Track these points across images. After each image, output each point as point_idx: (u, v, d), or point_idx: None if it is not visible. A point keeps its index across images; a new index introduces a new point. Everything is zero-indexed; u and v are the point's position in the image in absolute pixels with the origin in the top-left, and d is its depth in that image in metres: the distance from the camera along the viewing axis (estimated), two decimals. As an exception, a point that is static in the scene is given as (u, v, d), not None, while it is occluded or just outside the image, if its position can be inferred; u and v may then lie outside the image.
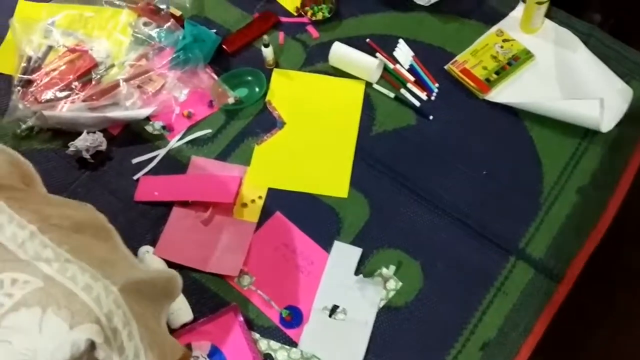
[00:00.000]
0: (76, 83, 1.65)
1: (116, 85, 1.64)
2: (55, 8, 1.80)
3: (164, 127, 1.62)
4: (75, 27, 1.77)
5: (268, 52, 1.66)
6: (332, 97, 1.66)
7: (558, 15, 1.75)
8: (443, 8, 1.77)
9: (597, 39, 1.71)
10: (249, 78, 1.68)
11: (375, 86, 1.67)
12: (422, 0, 1.77)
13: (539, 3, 1.65)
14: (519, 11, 1.77)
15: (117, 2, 1.80)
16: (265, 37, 1.63)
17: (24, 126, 1.60)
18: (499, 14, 1.78)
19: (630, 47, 1.69)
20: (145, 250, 1.44)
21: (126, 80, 1.65)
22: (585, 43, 1.69)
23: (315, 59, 1.73)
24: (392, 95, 1.65)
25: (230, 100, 1.64)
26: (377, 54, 1.71)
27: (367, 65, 1.64)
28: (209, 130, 1.62)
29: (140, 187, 1.54)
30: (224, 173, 1.55)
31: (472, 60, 1.68)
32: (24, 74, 1.68)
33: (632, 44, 1.70)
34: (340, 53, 1.67)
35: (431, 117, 1.62)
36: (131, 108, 1.62)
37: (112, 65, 1.70)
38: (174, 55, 1.66)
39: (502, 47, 1.70)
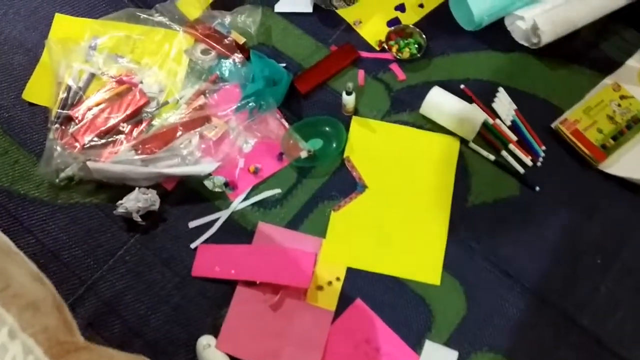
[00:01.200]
0: (124, 125, 1.41)
1: (172, 132, 1.40)
2: (98, 26, 1.54)
3: (226, 184, 1.39)
4: (122, 50, 1.51)
5: (350, 100, 1.42)
6: (421, 156, 1.43)
7: (684, 67, 1.51)
8: (549, 51, 1.51)
9: None
10: (326, 128, 1.44)
11: (472, 145, 1.43)
12: (529, 42, 1.51)
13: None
14: (637, 61, 1.52)
15: (170, 23, 1.53)
16: (349, 84, 1.38)
17: (62, 175, 1.37)
18: (614, 62, 1.53)
19: None
20: (206, 342, 1.23)
21: (184, 127, 1.40)
22: None
23: (400, 106, 1.48)
24: (491, 157, 1.42)
25: (303, 154, 1.41)
26: (474, 105, 1.47)
27: (470, 120, 1.40)
28: (278, 190, 1.39)
29: (198, 258, 1.33)
30: (296, 246, 1.33)
31: (584, 119, 1.44)
32: (62, 107, 1.43)
33: None
34: (438, 102, 1.42)
35: (537, 189, 1.39)
36: (189, 159, 1.39)
37: (166, 102, 1.46)
38: (241, 103, 1.41)
39: (619, 105, 1.46)
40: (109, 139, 1.39)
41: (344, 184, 1.40)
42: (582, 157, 1.42)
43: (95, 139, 1.39)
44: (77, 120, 1.42)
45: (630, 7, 1.53)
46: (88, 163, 1.33)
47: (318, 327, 1.26)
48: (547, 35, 1.47)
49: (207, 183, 1.38)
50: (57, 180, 1.37)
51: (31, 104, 1.48)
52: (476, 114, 1.40)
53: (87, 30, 1.53)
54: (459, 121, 1.41)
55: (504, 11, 1.50)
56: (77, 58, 1.49)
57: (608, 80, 1.50)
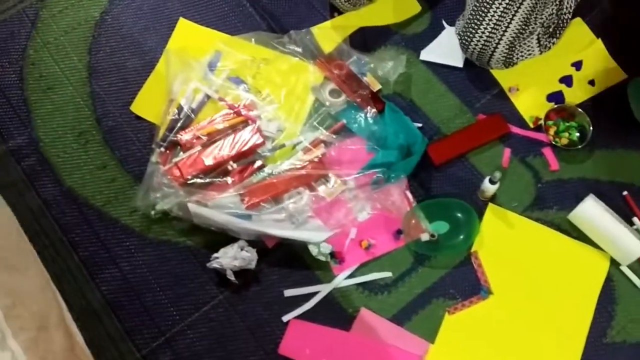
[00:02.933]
0: (233, 164, 1.26)
1: (284, 183, 1.24)
2: (224, 41, 1.38)
3: (332, 254, 1.22)
4: (243, 74, 1.36)
5: (491, 189, 1.22)
6: (561, 268, 1.22)
7: None
8: None
9: None
10: (457, 214, 1.24)
11: (625, 269, 1.21)
12: None
13: None
14: None
15: (302, 53, 1.36)
16: (497, 173, 1.17)
17: (158, 207, 1.24)
18: None
19: None
20: None
21: (297, 180, 1.24)
22: None
23: (547, 202, 1.27)
24: (645, 289, 1.20)
25: (424, 237, 1.22)
26: (635, 221, 1.24)
27: (627, 248, 1.18)
28: (389, 274, 1.22)
29: (289, 335, 1.18)
30: (400, 344, 1.17)
31: None
32: (170, 129, 1.30)
33: None
34: (591, 216, 1.20)
35: (698, 341, 1.17)
36: (297, 217, 1.23)
37: (282, 145, 1.30)
38: (366, 173, 1.24)
39: None
40: (214, 179, 1.25)
41: (466, 283, 1.21)
42: None
43: (201, 175, 1.25)
44: (184, 148, 1.28)
45: None
46: (189, 205, 1.19)
47: None
48: None
49: (312, 248, 1.22)
50: (152, 212, 1.25)
51: (138, 117, 1.35)
52: (634, 243, 1.17)
53: (211, 44, 1.37)
54: (613, 244, 1.19)
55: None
56: (195, 75, 1.34)
57: None
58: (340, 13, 1.42)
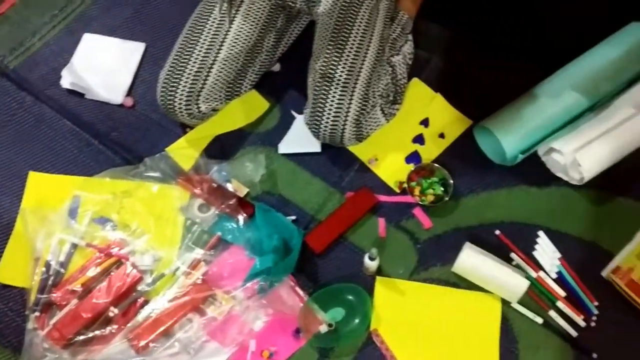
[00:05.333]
0: (114, 309, 1.22)
1: (171, 314, 1.21)
2: (79, 185, 1.35)
3: (236, 374, 1.20)
4: (107, 212, 1.33)
5: (373, 265, 1.24)
6: (458, 320, 1.24)
7: None
8: (590, 181, 1.34)
9: None
10: (349, 297, 1.25)
11: (516, 306, 1.25)
12: (567, 176, 1.34)
13: None
14: (689, 187, 1.36)
15: (156, 175, 1.35)
16: (373, 250, 1.20)
17: (46, 376, 1.17)
18: (665, 190, 1.37)
19: None
20: None
21: (183, 306, 1.21)
22: None
23: (430, 260, 1.30)
24: (539, 320, 1.24)
25: (323, 329, 1.22)
26: (513, 256, 1.29)
27: (511, 287, 1.22)
28: (298, 377, 1.21)
29: None
30: None
31: (639, 266, 1.26)
32: (42, 290, 1.24)
33: None
34: (472, 265, 1.25)
35: (595, 356, 1.21)
36: (189, 349, 1.19)
37: (161, 275, 1.27)
38: (247, 285, 1.23)
39: (677, 246, 1.29)
40: (96, 331, 1.20)
41: (374, 363, 1.21)
42: (642, 311, 1.25)
43: (83, 330, 1.19)
44: (59, 306, 1.22)
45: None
46: (76, 367, 1.13)
47: None
48: (591, 172, 1.30)
49: (215, 373, 1.19)
50: (41, 383, 1.17)
51: (6, 286, 1.28)
52: (518, 280, 1.22)
53: (67, 190, 1.34)
54: (499, 286, 1.24)
55: (539, 145, 1.33)
56: (57, 227, 1.29)
57: (660, 215, 1.34)
58: (192, 127, 1.43)
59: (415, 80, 1.49)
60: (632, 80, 1.38)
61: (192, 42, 1.32)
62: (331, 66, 1.28)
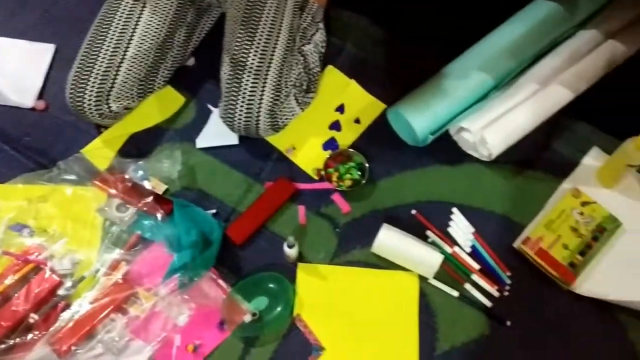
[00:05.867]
0: (34, 316, 1.21)
1: (92, 316, 1.21)
2: (-8, 191, 1.33)
3: (163, 371, 1.21)
4: (23, 218, 1.31)
5: (292, 252, 1.26)
6: (379, 300, 1.28)
7: None
8: (499, 157, 1.40)
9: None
10: (270, 285, 1.27)
11: (432, 281, 1.30)
12: (477, 153, 1.39)
13: (630, 166, 1.31)
14: (593, 158, 1.42)
15: (71, 177, 1.33)
16: (291, 238, 1.22)
17: (-34, 388, 1.16)
18: (570, 162, 1.43)
19: None
20: None
21: (105, 307, 1.21)
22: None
23: (349, 243, 1.33)
24: (455, 294, 1.29)
25: (247, 318, 1.24)
26: (429, 233, 1.34)
27: (426, 263, 1.27)
28: (224, 368, 1.22)
29: None
30: None
31: (548, 235, 1.32)
32: (-42, 303, 1.22)
33: None
34: (389, 245, 1.28)
35: (508, 323, 1.27)
36: (113, 349, 1.20)
37: (82, 278, 1.26)
38: (167, 281, 1.23)
39: (581, 213, 1.35)
40: (17, 339, 1.19)
41: (298, 348, 1.24)
42: (552, 279, 1.31)
43: (4, 340, 1.18)
44: (-23, 318, 1.21)
45: (578, 99, 1.44)
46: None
47: None
48: (498, 148, 1.36)
49: (141, 371, 1.20)
50: (-40, 397, 1.16)
51: None
52: (432, 256, 1.26)
53: (-21, 198, 1.32)
54: (415, 264, 1.28)
55: (449, 125, 1.38)
56: (-30, 237, 1.28)
57: (566, 185, 1.40)
58: (106, 127, 1.42)
59: (329, 67, 1.51)
60: (536, 56, 1.44)
61: (98, 41, 1.31)
62: (243, 53, 1.29)
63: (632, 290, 1.28)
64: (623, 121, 1.34)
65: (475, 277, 1.30)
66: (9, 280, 1.24)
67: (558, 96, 1.40)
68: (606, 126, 1.44)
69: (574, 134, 1.45)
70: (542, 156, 1.43)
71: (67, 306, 1.23)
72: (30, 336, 1.19)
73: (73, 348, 1.18)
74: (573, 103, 1.43)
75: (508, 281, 1.31)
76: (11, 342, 1.19)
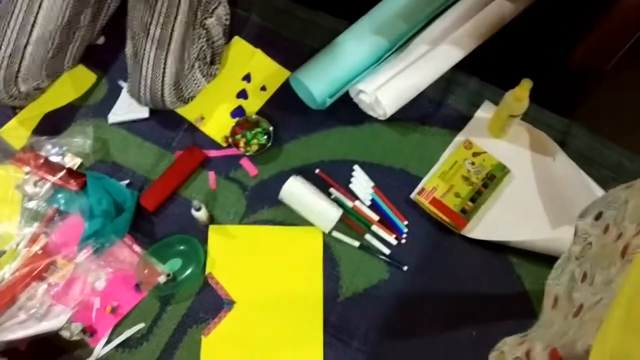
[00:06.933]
0: (-43, 290, 1.29)
1: (13, 287, 1.29)
2: None
3: (83, 331, 1.29)
4: (-59, 200, 1.38)
5: (200, 215, 1.35)
6: (285, 254, 1.38)
7: (530, 110, 1.50)
8: (399, 115, 1.49)
9: (575, 136, 1.50)
10: (181, 247, 1.36)
11: (335, 234, 1.40)
12: (376, 113, 1.48)
13: (512, 116, 1.41)
14: (485, 111, 1.52)
15: (-6, 158, 1.41)
16: (195, 202, 1.31)
17: None
18: (463, 116, 1.52)
19: (614, 145, 1.49)
20: None
21: (26, 277, 1.29)
22: (563, 143, 1.48)
23: (258, 204, 1.42)
24: (356, 244, 1.39)
25: (162, 279, 1.33)
26: (332, 190, 1.43)
27: (326, 215, 1.36)
28: (142, 325, 1.31)
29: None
30: (170, 383, 1.27)
31: (441, 185, 1.43)
32: None
33: (616, 140, 1.50)
34: (294, 192, 1.37)
35: (405, 268, 1.38)
36: (38, 312, 1.28)
37: (2, 252, 1.34)
38: (81, 246, 1.32)
39: (473, 163, 1.45)
40: (-59, 313, 1.27)
41: (211, 303, 1.34)
42: (446, 226, 1.41)
43: None
44: None
45: (471, 56, 1.53)
46: None
47: None
48: (391, 107, 1.44)
49: (64, 333, 1.28)
50: None
51: None
52: (332, 210, 1.36)
53: None
54: (316, 215, 1.38)
55: (346, 88, 1.46)
56: None
57: (460, 137, 1.50)
58: (21, 108, 1.48)
59: (236, 38, 1.58)
60: (429, 19, 1.53)
61: (2, 25, 1.36)
62: (144, 26, 1.35)
63: (518, 231, 1.39)
64: (510, 74, 1.44)
65: (374, 228, 1.40)
66: None
67: (449, 55, 1.49)
68: (497, 80, 1.54)
69: (468, 90, 1.55)
70: (438, 112, 1.52)
71: (-12, 280, 1.31)
72: (-47, 308, 1.27)
73: (-4, 320, 1.27)
74: (466, 60, 1.52)
75: (405, 230, 1.41)
76: (-64, 315, 1.27)
